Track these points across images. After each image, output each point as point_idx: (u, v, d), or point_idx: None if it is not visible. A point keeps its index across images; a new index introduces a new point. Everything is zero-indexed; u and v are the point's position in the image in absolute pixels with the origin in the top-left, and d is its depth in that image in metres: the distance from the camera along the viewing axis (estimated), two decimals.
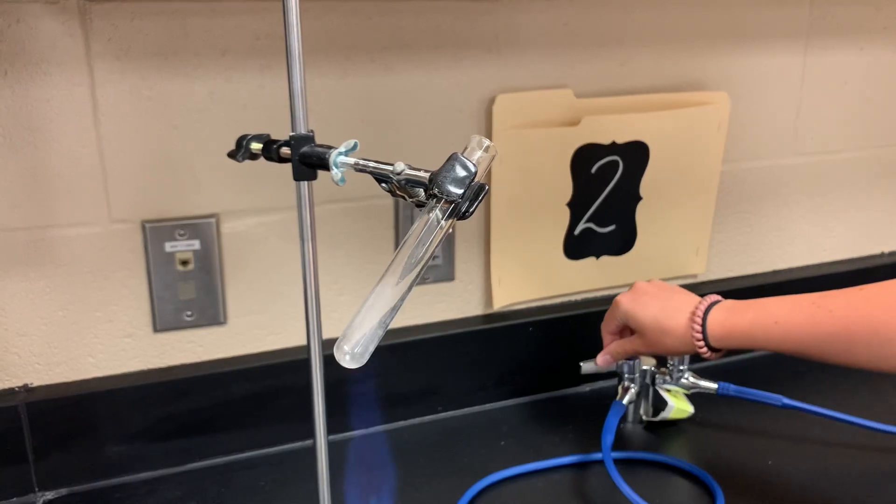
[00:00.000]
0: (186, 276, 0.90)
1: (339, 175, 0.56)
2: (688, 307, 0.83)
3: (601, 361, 0.93)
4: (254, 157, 0.62)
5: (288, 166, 0.58)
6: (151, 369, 0.92)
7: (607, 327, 0.92)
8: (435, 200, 0.52)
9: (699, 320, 0.81)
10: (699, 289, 1.14)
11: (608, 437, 0.88)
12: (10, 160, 0.80)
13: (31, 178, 0.81)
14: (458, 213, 0.52)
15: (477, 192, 0.52)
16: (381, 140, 0.94)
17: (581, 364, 0.99)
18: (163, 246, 0.88)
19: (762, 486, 0.89)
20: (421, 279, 0.97)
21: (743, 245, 1.18)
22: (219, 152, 0.87)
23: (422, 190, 0.53)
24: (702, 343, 0.81)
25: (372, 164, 0.55)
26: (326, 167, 0.56)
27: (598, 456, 0.93)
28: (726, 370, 1.13)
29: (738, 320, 0.79)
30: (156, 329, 0.90)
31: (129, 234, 0.87)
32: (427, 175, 0.52)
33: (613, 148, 1.02)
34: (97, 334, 0.89)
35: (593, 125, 0.99)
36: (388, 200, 0.96)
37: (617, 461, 0.89)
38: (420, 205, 0.54)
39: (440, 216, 0.53)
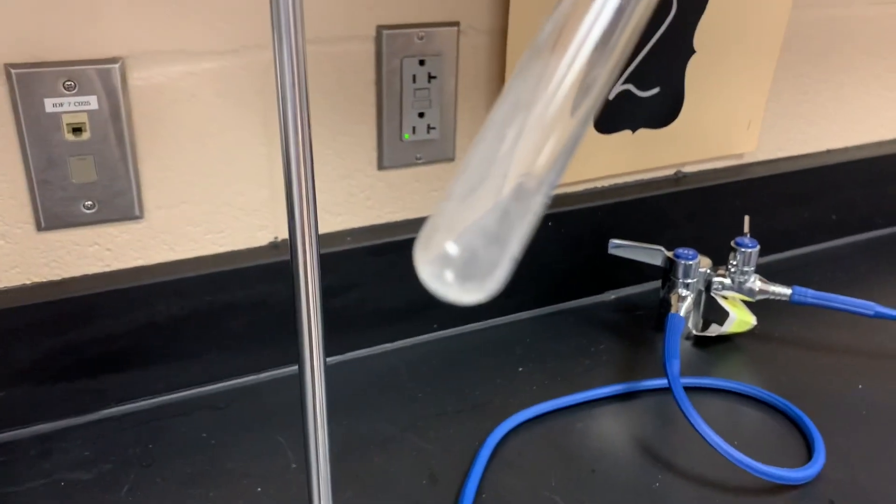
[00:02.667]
0: (81, 149, 0.62)
1: None
2: None
3: None
4: None
5: None
6: (38, 283, 0.65)
7: None
8: None
9: None
10: (746, 171, 0.92)
11: (674, 363, 0.67)
12: None
13: None
14: None
15: None
16: None
17: (612, 241, 0.78)
18: (42, 104, 0.60)
19: (855, 416, 0.69)
20: (413, 158, 0.71)
21: (797, 118, 0.96)
22: None
23: None
24: None
25: None
26: None
27: (651, 384, 0.72)
28: (772, 270, 0.92)
29: None
30: (40, 227, 0.63)
31: None
32: None
33: None
34: None
35: None
36: (368, 45, 0.69)
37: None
38: None
39: None
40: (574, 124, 0.25)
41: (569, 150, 0.25)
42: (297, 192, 0.34)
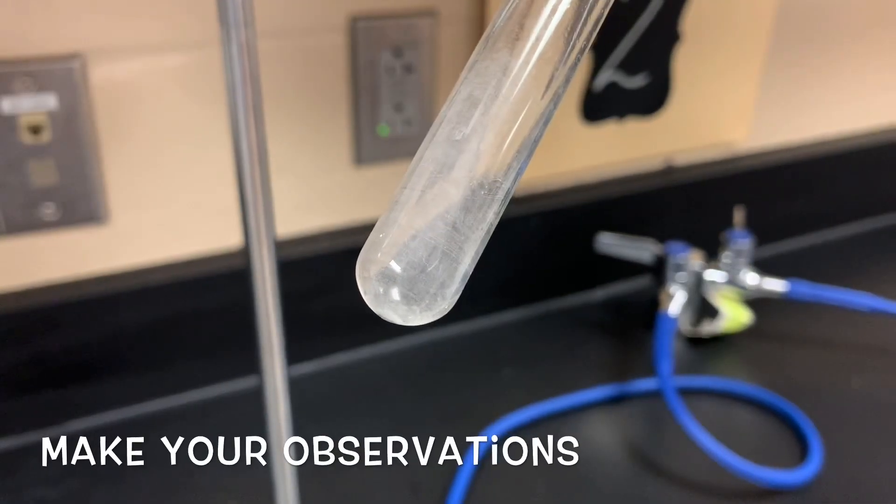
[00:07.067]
0: (41, 151, 0.59)
1: None
2: None
3: None
4: None
5: None
6: None
7: None
8: None
9: None
10: (737, 164, 0.90)
11: (665, 364, 0.64)
12: None
13: None
14: None
15: None
16: None
17: (600, 237, 0.75)
18: None
19: (853, 415, 0.67)
20: (391, 154, 0.68)
21: (789, 105, 0.93)
22: None
23: None
24: None
25: None
26: None
27: (642, 386, 0.69)
28: (766, 263, 0.90)
29: None
30: (0, 232, 0.60)
31: None
32: None
33: None
34: None
35: None
36: (340, 37, 0.66)
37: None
38: None
39: None
40: (533, 123, 0.23)
41: (527, 152, 0.23)
42: (250, 192, 0.32)
